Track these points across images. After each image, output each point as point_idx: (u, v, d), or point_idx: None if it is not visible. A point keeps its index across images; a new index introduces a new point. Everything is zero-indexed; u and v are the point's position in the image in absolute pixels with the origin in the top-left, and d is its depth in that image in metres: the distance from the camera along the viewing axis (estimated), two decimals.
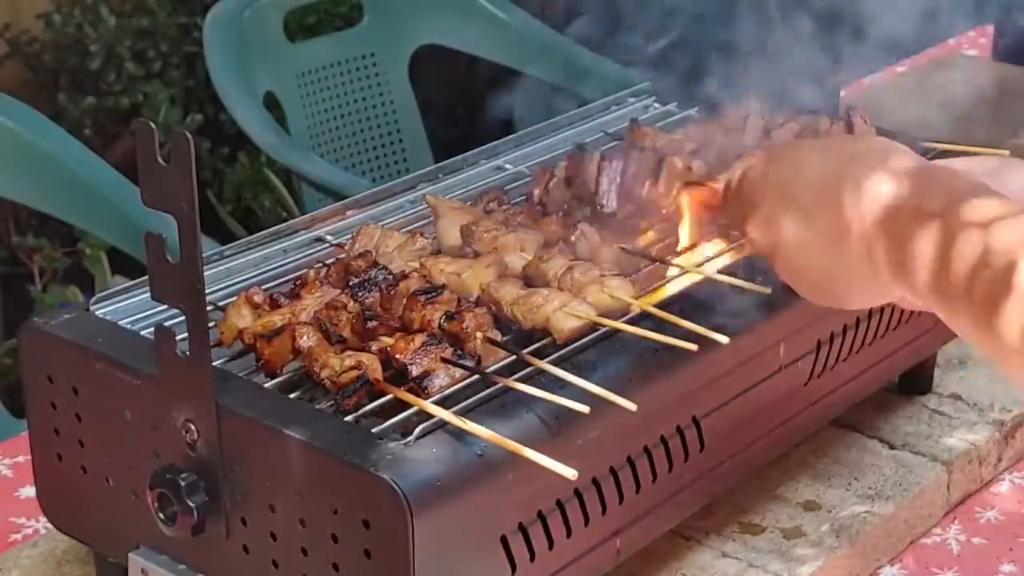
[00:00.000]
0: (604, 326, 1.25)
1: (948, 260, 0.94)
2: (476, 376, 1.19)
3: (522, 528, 1.15)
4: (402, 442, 1.10)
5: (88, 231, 2.70)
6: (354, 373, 1.17)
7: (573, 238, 1.37)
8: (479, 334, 1.22)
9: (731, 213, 1.17)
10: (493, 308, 1.28)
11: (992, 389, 1.63)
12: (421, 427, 1.12)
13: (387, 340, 1.22)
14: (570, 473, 1.08)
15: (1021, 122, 2.28)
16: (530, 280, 1.32)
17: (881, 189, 1.00)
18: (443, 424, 1.13)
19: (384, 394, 1.17)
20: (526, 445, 1.09)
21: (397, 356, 1.19)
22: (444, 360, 1.19)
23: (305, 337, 1.21)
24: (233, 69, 2.89)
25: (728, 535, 1.41)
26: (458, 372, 1.19)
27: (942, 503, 1.51)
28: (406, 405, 1.16)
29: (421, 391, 1.17)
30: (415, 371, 1.18)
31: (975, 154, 1.55)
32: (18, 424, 1.82)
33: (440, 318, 1.24)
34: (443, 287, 1.28)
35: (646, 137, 1.60)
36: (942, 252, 0.94)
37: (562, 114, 1.78)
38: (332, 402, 1.16)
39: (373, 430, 1.12)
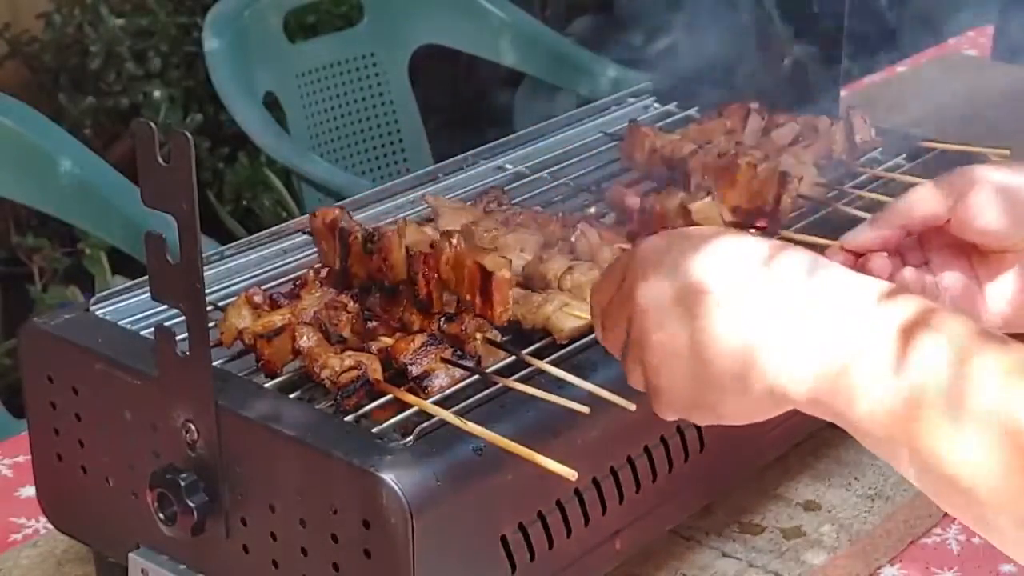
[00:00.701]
0: None
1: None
2: (476, 376, 1.19)
3: (522, 528, 1.15)
4: (402, 442, 1.10)
5: (88, 231, 2.70)
6: (354, 373, 1.17)
7: (573, 238, 1.37)
8: (479, 335, 1.22)
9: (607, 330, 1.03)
10: None
11: None
12: (421, 427, 1.12)
13: (387, 340, 1.22)
14: (570, 473, 1.08)
15: (1021, 122, 2.27)
16: (530, 280, 1.32)
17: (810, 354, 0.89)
18: (443, 424, 1.13)
19: (384, 394, 1.17)
20: (526, 445, 1.09)
21: (397, 356, 1.19)
22: (444, 360, 1.19)
23: (305, 337, 1.21)
24: (233, 69, 2.88)
25: (728, 535, 1.41)
26: (458, 372, 1.19)
27: None
28: (406, 405, 1.16)
29: (421, 391, 1.17)
30: (415, 371, 1.18)
31: (976, 154, 1.56)
32: (18, 424, 1.82)
33: (440, 319, 1.24)
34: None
35: (646, 138, 1.60)
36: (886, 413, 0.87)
37: (562, 114, 1.78)
38: (332, 402, 1.16)
39: (373, 430, 1.12)
